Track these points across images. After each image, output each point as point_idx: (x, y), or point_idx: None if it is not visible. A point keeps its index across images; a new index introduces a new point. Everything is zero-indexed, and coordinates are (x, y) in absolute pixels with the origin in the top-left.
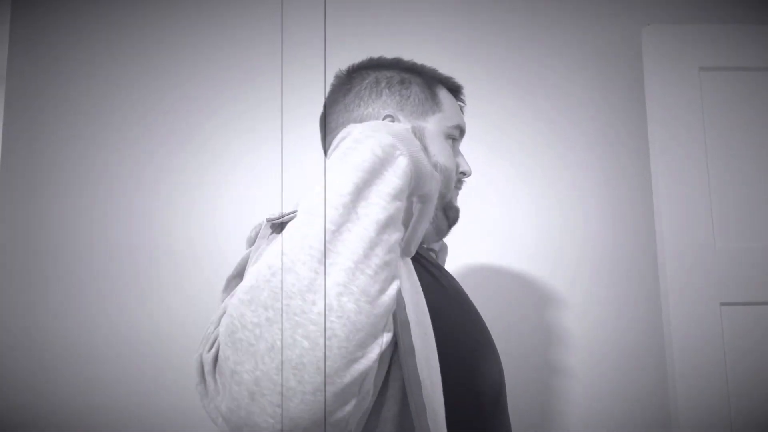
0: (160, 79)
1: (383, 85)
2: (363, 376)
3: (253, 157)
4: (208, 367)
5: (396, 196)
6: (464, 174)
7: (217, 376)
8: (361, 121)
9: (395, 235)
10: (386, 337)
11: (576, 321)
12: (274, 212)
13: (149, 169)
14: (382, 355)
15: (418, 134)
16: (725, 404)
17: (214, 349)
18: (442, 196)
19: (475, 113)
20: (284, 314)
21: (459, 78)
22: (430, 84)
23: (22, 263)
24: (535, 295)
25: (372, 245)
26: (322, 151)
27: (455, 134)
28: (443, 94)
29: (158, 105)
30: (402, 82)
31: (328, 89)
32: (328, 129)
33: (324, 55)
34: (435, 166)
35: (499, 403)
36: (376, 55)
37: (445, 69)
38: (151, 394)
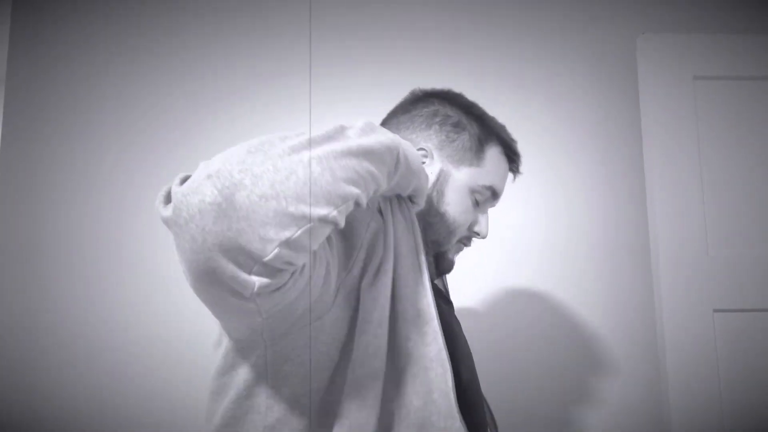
0: (159, 78)
1: (438, 120)
2: (304, 221)
3: None
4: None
5: (389, 147)
6: (477, 234)
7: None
8: None
9: (368, 167)
10: (340, 218)
11: (569, 326)
12: None
13: (149, 168)
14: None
15: (443, 177)
16: (718, 410)
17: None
18: (438, 245)
19: None
20: (265, 151)
21: (455, 85)
22: (485, 138)
23: (21, 264)
24: (527, 300)
25: (348, 153)
26: None
27: (484, 194)
28: (492, 153)
29: (158, 104)
30: (457, 125)
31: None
32: None
33: (309, 53)
34: (443, 214)
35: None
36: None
37: (440, 77)
38: (152, 392)
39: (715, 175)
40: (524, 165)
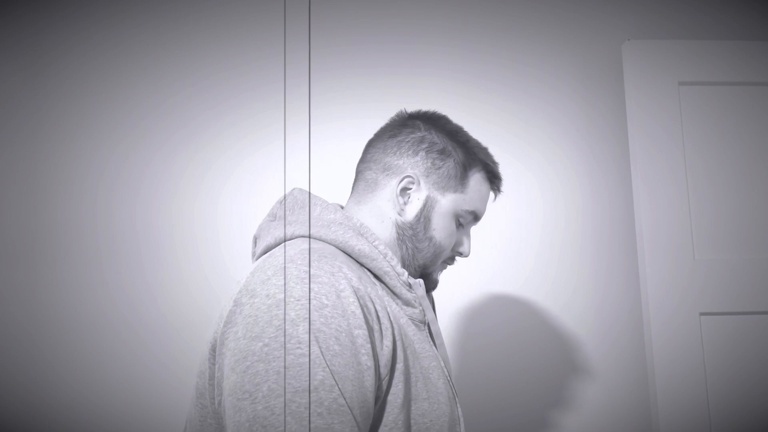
0: (159, 76)
1: (424, 146)
2: None
3: (254, 155)
4: None
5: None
6: (461, 254)
7: None
8: (389, 168)
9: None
10: None
11: (556, 330)
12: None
13: (150, 166)
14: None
15: (429, 204)
16: (705, 412)
17: None
18: (425, 268)
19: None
20: None
21: (439, 91)
22: (468, 163)
23: (20, 265)
24: (513, 302)
25: None
26: (354, 171)
27: (467, 218)
28: (476, 178)
29: (159, 102)
30: (442, 152)
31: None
32: (362, 158)
33: (309, 57)
34: (431, 239)
35: None
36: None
37: (424, 84)
38: (154, 390)
39: (700, 180)
40: (511, 170)
